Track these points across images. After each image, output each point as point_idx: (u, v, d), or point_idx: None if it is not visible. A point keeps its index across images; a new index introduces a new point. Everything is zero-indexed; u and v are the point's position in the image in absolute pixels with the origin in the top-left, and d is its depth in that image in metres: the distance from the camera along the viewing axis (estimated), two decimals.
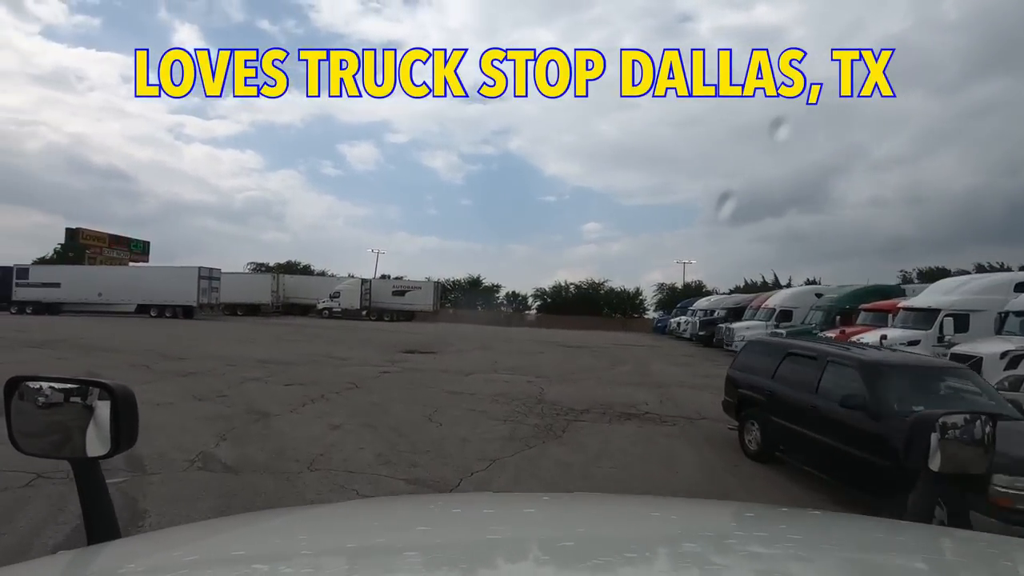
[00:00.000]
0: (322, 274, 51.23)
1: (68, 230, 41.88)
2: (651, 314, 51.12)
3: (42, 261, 43.16)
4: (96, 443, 0.95)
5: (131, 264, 41.48)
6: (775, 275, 50.33)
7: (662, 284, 53.13)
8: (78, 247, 40.63)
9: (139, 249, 44.10)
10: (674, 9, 69.46)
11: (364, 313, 41.22)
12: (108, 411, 0.95)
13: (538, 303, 54.04)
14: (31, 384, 0.97)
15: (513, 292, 54.28)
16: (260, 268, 48.86)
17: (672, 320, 38.17)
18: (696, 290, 50.26)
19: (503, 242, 78.27)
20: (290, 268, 51.66)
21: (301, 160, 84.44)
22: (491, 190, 73.08)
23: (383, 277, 48.95)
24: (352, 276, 46.17)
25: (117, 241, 42.81)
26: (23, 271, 35.29)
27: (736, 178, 61.95)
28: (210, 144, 71.27)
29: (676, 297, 48.84)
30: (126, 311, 34.20)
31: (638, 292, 52.80)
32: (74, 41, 67.79)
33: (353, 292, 41.42)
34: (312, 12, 73.68)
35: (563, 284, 53.41)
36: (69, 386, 0.98)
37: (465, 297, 53.65)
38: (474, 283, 53.74)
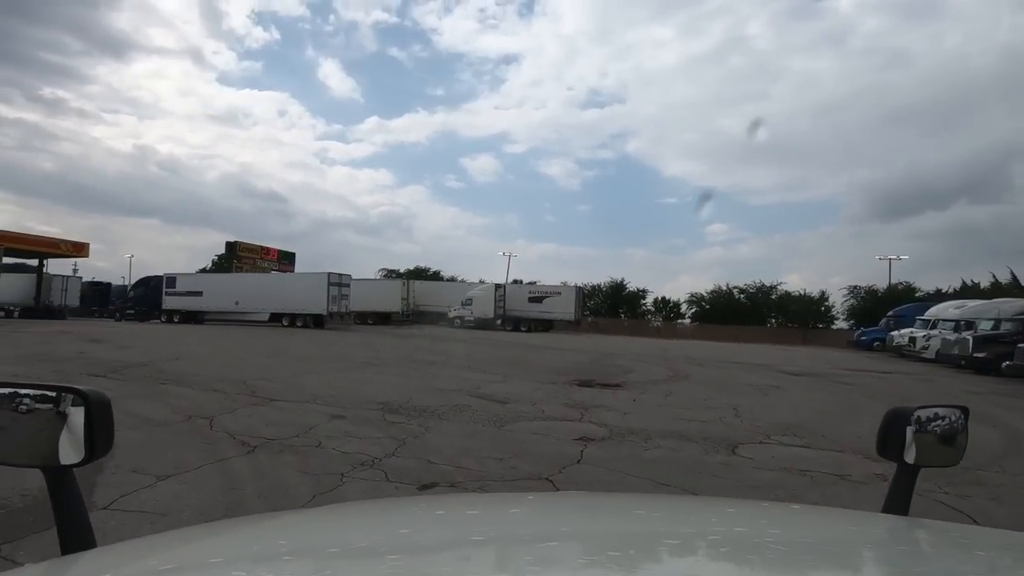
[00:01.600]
0: (452, 279, 48.21)
1: (228, 243, 43.36)
2: (840, 323, 41.45)
3: (202, 272, 44.73)
4: (69, 451, 0.93)
5: (267, 272, 41.16)
6: (1012, 272, 38.10)
7: (855, 287, 42.92)
8: (235, 258, 41.85)
9: (287, 260, 44.78)
10: None
11: (498, 322, 36.91)
12: (82, 418, 0.92)
13: (693, 310, 46.50)
14: (0, 390, 0.95)
15: (663, 298, 47.25)
16: (391, 275, 46.77)
17: (896, 333, 29.17)
18: (905, 293, 39.72)
19: (621, 247, 77.12)
20: (419, 274, 49.34)
21: (427, 175, 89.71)
22: (608, 194, 71.32)
23: (515, 282, 44.70)
24: (483, 281, 42.29)
25: (267, 252, 43.54)
26: (171, 280, 35.61)
27: (887, 167, 51.08)
28: (349, 165, 77.27)
29: (878, 303, 38.78)
30: (260, 320, 32.94)
31: (823, 297, 43.18)
32: (242, 84, 77.08)
33: (487, 299, 37.33)
34: (435, 35, 76.09)
35: (725, 288, 45.33)
36: (40, 392, 0.95)
37: (607, 304, 47.67)
38: (617, 288, 47.57)
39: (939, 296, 36.73)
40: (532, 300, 38.68)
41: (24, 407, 0.94)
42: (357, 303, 38.88)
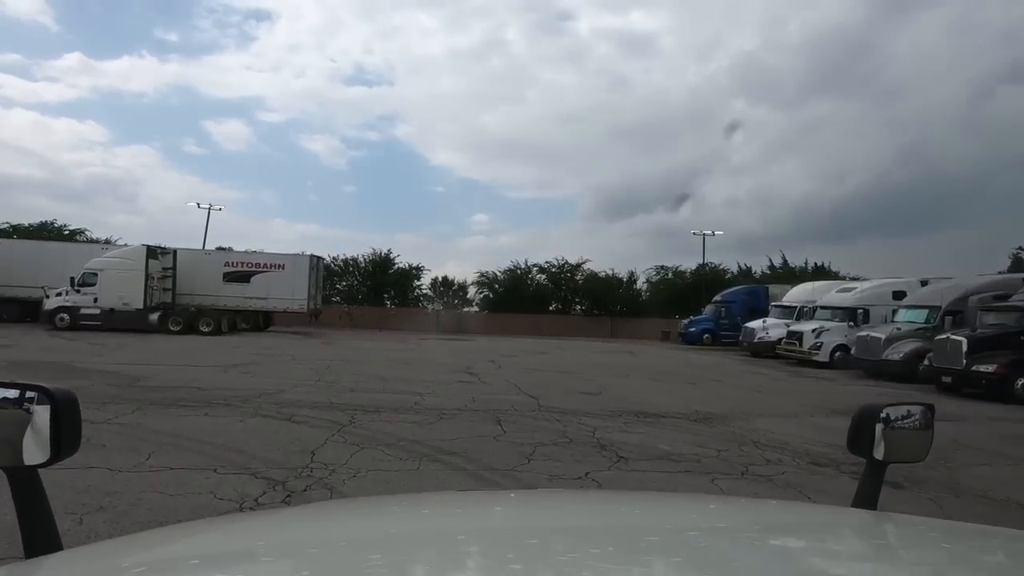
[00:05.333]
0: (71, 237, 28.58)
1: None
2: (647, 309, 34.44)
3: None
4: (34, 450, 0.89)
5: None
6: (784, 256, 35.81)
7: (663, 267, 36.30)
8: None
9: None
10: (555, 6, 65.73)
11: (154, 317, 19.81)
12: (48, 416, 0.88)
13: (483, 294, 35.08)
14: None
15: (443, 278, 34.72)
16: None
17: (754, 326, 21.50)
18: (716, 276, 34.33)
19: (390, 231, 74.85)
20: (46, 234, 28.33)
21: (157, 135, 70.93)
22: (377, 177, 67.52)
23: (219, 250, 27.25)
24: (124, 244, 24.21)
25: None
26: None
27: (612, 174, 61.51)
28: (38, 110, 60.98)
29: (697, 288, 32.40)
30: None
31: (632, 280, 35.61)
32: None
33: (130, 273, 19.74)
34: None
35: (524, 266, 34.85)
36: (3, 391, 0.91)
37: (366, 285, 33.25)
38: (381, 264, 33.39)
39: (774, 279, 31.58)
40: (231, 278, 22.37)
41: None
42: None
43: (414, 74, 65.77)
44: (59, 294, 19.35)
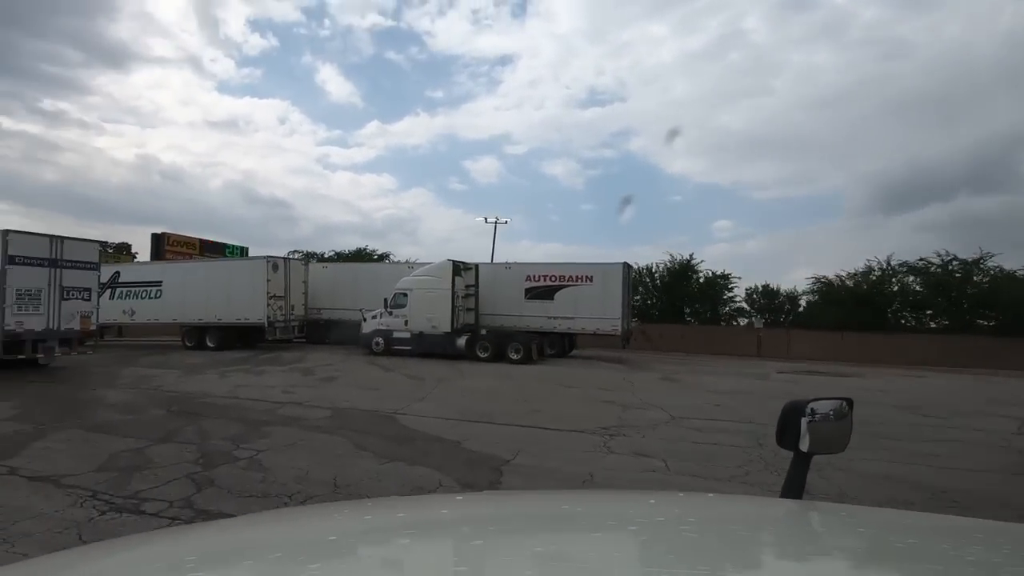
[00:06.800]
0: (382, 258, 29.13)
1: (153, 236, 27.58)
2: None
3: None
4: None
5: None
6: None
7: None
8: (163, 254, 26.27)
9: (235, 255, 28.48)
10: None
11: (462, 342, 17.38)
12: None
13: (812, 303, 26.57)
14: None
15: (766, 287, 27.21)
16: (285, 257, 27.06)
17: None
18: None
19: (628, 245, 70.41)
20: (355, 257, 30.13)
21: (430, 178, 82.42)
22: (613, 193, 68.85)
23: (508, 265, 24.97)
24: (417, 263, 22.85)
25: (212, 248, 28.62)
26: None
27: (886, 160, 48.05)
28: (351, 170, 75.04)
29: None
30: None
31: None
32: (242, 92, 73.93)
33: (436, 293, 17.69)
34: (429, 38, 74.05)
35: (885, 266, 25.36)
36: None
37: (661, 300, 27.87)
38: (680, 272, 27.61)
39: None
40: (534, 294, 19.17)
41: None
42: (165, 309, 20.15)
43: (646, 85, 65.07)
44: (374, 316, 18.31)
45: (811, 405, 1.29)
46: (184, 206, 69.86)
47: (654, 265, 28.04)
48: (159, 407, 8.76)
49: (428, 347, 17.32)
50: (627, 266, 19.03)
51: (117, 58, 64.93)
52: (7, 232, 12.37)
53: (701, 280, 27.51)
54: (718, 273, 27.50)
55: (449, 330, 17.34)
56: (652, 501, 1.39)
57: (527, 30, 74.06)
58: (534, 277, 19.35)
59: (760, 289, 27.01)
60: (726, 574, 0.81)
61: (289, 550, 0.87)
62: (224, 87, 76.62)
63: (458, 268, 18.00)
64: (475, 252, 51.09)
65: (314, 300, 21.46)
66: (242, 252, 29.28)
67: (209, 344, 19.35)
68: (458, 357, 16.88)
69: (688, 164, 69.86)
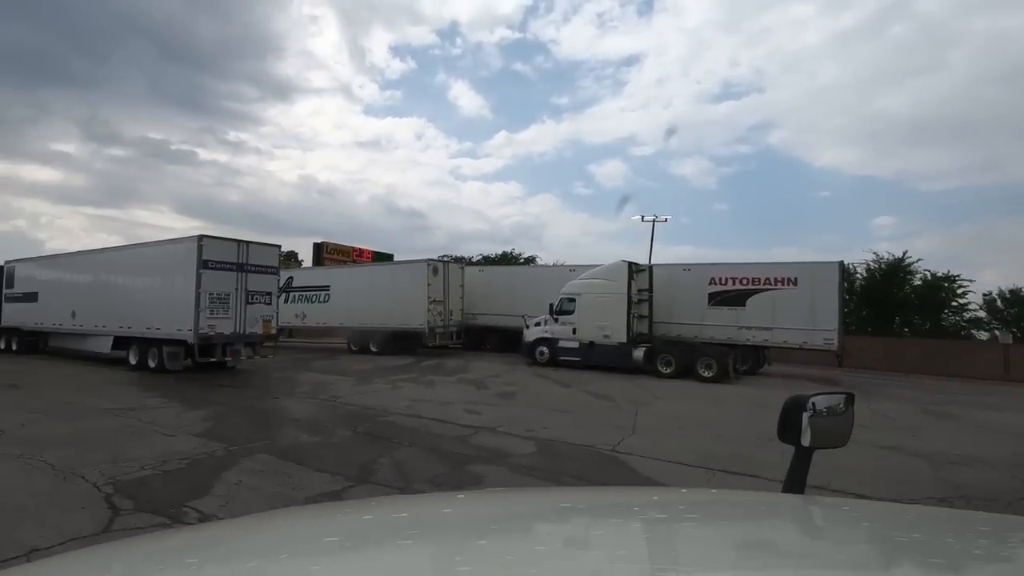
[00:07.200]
0: (529, 261, 27.57)
1: (315, 245, 29.22)
2: None
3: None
4: None
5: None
6: None
7: None
8: (322, 262, 27.61)
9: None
10: None
11: (640, 354, 15.25)
12: None
13: None
14: None
15: (1014, 290, 21.65)
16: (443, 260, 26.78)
17: None
18: None
19: (766, 247, 64.66)
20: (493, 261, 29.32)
21: (556, 183, 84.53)
22: (750, 191, 63.73)
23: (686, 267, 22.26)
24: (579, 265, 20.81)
25: (360, 253, 29.37)
26: (10, 273, 19.16)
27: None
28: (481, 180, 79.13)
29: None
30: (102, 352, 15.01)
31: None
32: (384, 113, 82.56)
33: (611, 298, 15.73)
34: (554, 46, 74.85)
35: None
36: None
37: (864, 306, 23.33)
38: (890, 272, 22.90)
39: None
40: (719, 300, 16.46)
41: None
42: (332, 313, 20.60)
43: (788, 73, 58.77)
44: (538, 323, 16.84)
45: (812, 400, 1.30)
46: (336, 219, 76.69)
47: (851, 265, 23.59)
48: (344, 426, 7.79)
49: (599, 358, 15.40)
50: (842, 266, 15.55)
51: (284, 91, 74.29)
52: (202, 237, 12.67)
53: (917, 283, 22.52)
54: (940, 275, 22.33)
55: (624, 340, 15.27)
56: (655, 497, 1.42)
57: (654, 27, 71.87)
58: (720, 280, 16.60)
59: (1007, 295, 21.38)
60: (729, 568, 0.81)
61: (292, 550, 0.86)
62: (369, 110, 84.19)
63: (632, 270, 15.89)
64: (601, 256, 49.44)
65: (470, 305, 20.66)
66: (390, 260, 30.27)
67: (372, 349, 19.27)
68: (634, 371, 14.75)
69: (839, 155, 61.55)
